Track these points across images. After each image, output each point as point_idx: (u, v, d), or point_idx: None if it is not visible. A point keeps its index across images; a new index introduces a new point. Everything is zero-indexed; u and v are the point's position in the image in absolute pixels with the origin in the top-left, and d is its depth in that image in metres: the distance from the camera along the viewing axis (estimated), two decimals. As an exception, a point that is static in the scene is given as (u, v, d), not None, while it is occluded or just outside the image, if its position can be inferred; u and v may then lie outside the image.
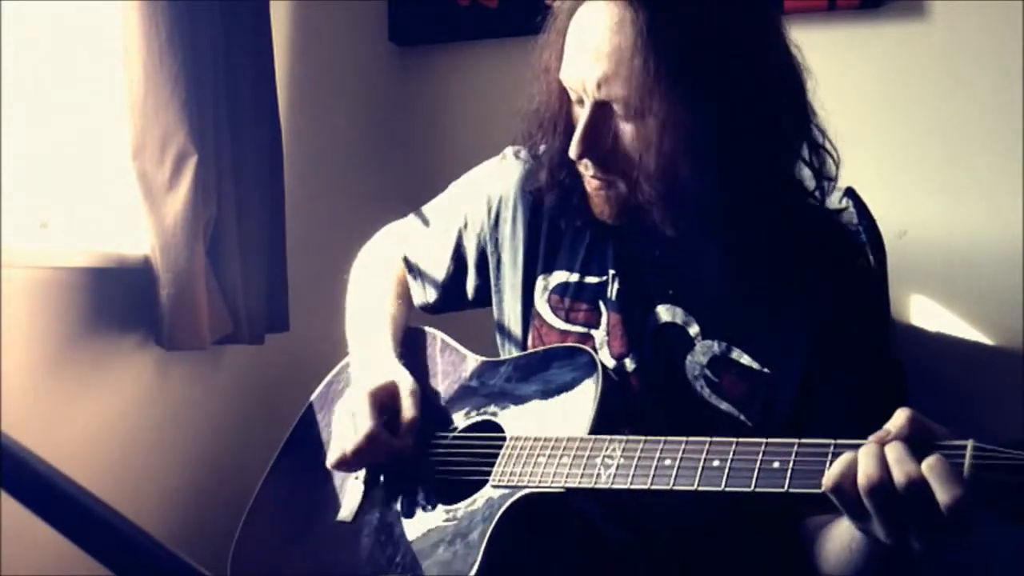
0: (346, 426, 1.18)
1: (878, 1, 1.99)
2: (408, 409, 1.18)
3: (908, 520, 0.81)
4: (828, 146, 1.14)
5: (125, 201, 1.61)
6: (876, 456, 0.82)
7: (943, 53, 1.97)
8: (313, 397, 1.39)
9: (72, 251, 1.54)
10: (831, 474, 0.84)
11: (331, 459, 1.18)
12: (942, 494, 0.78)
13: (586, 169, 1.12)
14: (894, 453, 0.81)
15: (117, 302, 1.61)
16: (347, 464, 1.18)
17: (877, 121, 2.02)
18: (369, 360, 1.28)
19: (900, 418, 0.84)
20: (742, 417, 1.11)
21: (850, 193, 1.60)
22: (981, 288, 1.93)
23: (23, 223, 1.56)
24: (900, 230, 1.94)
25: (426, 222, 1.41)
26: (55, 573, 1.31)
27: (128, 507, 0.61)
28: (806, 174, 1.15)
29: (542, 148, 1.20)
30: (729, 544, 1.14)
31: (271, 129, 1.84)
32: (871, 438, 0.84)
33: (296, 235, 1.93)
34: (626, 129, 1.07)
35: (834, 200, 1.60)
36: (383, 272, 1.43)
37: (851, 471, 0.83)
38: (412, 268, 1.40)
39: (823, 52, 2.04)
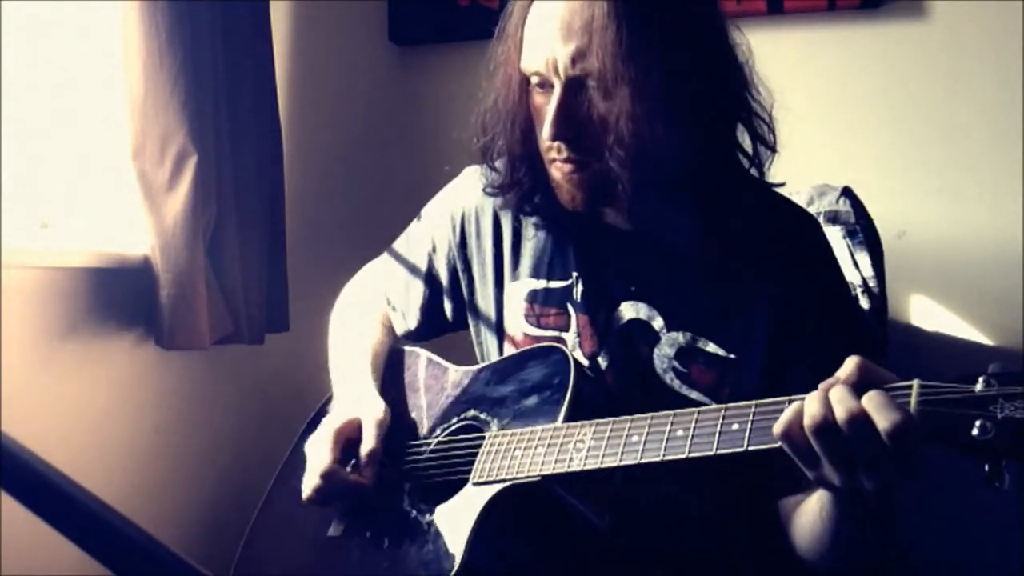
0: (311, 462, 1.20)
1: (878, 1, 1.99)
2: (368, 441, 1.19)
3: (855, 457, 0.83)
4: (768, 119, 1.16)
5: (125, 201, 1.62)
6: (820, 399, 0.85)
7: (943, 53, 1.97)
8: (311, 418, 1.40)
9: (72, 251, 1.54)
10: (780, 421, 0.86)
11: (303, 495, 1.21)
12: (881, 421, 0.80)
13: (558, 153, 1.11)
14: (837, 394, 0.84)
15: (117, 302, 1.61)
16: (312, 500, 1.20)
17: (877, 121, 2.02)
18: (346, 394, 1.30)
19: (849, 365, 0.87)
20: (713, 404, 1.11)
21: (847, 193, 1.60)
22: (981, 288, 1.93)
23: (23, 223, 1.56)
24: (900, 230, 1.94)
25: (399, 254, 1.43)
26: (55, 573, 1.31)
27: (128, 507, 0.61)
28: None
29: (499, 144, 1.20)
30: (719, 534, 1.15)
31: (271, 129, 1.84)
32: (820, 386, 0.86)
33: (296, 235, 1.93)
34: (599, 102, 1.07)
35: (831, 200, 1.60)
36: (364, 307, 1.45)
37: (799, 417, 0.85)
38: (390, 300, 1.42)
39: (823, 52, 2.06)
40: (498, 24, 1.18)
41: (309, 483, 1.19)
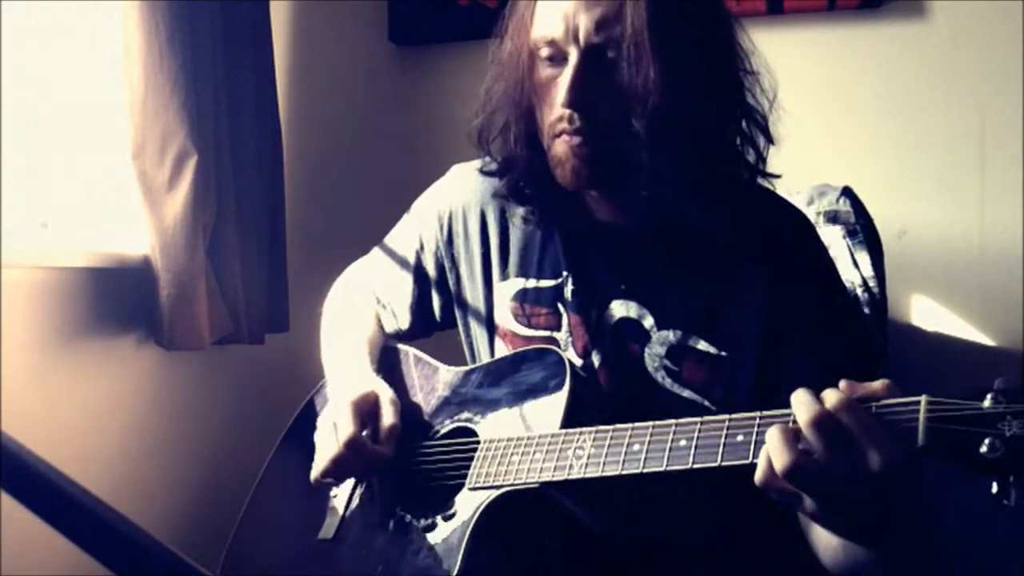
0: (327, 437, 1.17)
1: (878, 1, 1.99)
2: (388, 416, 1.17)
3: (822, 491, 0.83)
4: (766, 109, 1.15)
5: (125, 201, 1.62)
6: (782, 439, 0.84)
7: (943, 53, 1.97)
8: (295, 417, 1.39)
9: (72, 251, 1.54)
10: (758, 471, 0.86)
11: (314, 472, 1.17)
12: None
13: (569, 123, 1.08)
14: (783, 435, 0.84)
15: (117, 302, 1.61)
16: (329, 474, 1.16)
17: (877, 121, 2.02)
18: (347, 376, 1.28)
19: (878, 383, 0.86)
20: (706, 403, 1.12)
21: (848, 193, 1.60)
22: (981, 288, 1.93)
23: (23, 223, 1.56)
24: (900, 230, 1.94)
25: (388, 252, 1.41)
26: (55, 573, 1.31)
27: (128, 507, 0.61)
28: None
29: (499, 121, 1.17)
30: (716, 535, 1.14)
31: (271, 129, 1.84)
32: (843, 386, 0.86)
33: (296, 235, 1.93)
34: (623, 71, 1.05)
35: (831, 200, 1.60)
36: (355, 302, 1.43)
37: (769, 463, 0.85)
38: (380, 298, 1.41)
39: (823, 52, 2.06)
40: (506, 6, 1.17)
41: (327, 454, 1.14)
